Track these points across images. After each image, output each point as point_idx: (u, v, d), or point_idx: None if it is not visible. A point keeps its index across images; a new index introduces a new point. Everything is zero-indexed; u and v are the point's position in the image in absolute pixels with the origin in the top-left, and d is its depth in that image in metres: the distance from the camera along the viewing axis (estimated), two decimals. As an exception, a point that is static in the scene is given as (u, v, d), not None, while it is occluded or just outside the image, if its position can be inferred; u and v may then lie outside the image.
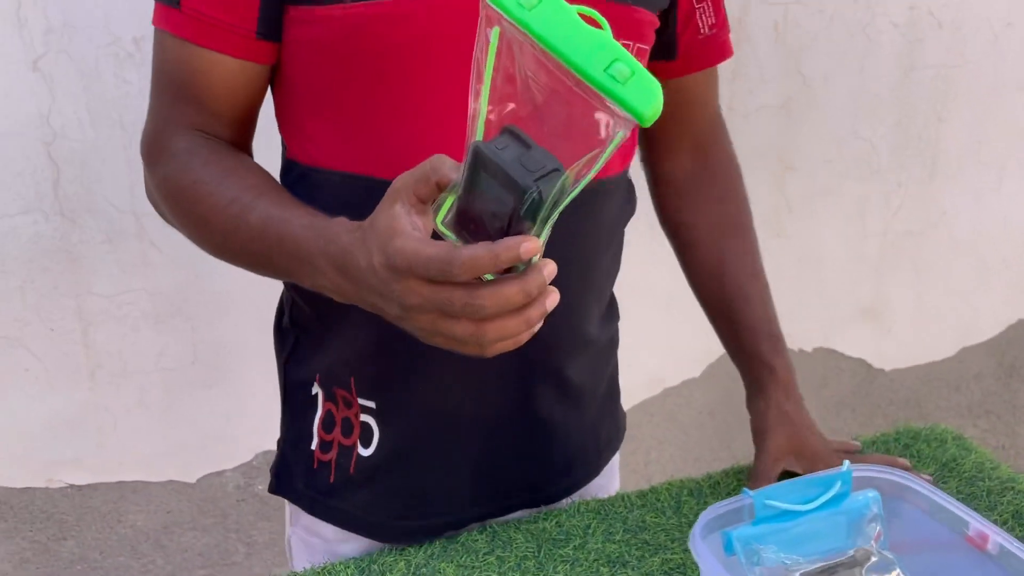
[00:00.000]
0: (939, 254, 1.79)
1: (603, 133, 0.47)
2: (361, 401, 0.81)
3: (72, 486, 1.40)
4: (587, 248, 0.80)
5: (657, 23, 0.80)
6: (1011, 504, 0.84)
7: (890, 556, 0.58)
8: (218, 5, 0.69)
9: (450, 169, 0.50)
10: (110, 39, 1.19)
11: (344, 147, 0.73)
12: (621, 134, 0.46)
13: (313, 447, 0.84)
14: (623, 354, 1.68)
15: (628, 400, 1.67)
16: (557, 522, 0.83)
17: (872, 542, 0.58)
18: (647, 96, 0.45)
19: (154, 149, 0.75)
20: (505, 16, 0.45)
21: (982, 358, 1.91)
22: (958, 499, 0.87)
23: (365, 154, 0.72)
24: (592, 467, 0.92)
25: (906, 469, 0.90)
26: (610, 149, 0.47)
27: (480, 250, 0.48)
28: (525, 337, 0.53)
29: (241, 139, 0.77)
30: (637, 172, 0.93)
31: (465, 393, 0.80)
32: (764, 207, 1.63)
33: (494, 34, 0.45)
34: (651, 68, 0.83)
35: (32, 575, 1.42)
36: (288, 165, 0.79)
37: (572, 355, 0.84)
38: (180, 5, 0.69)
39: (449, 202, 0.51)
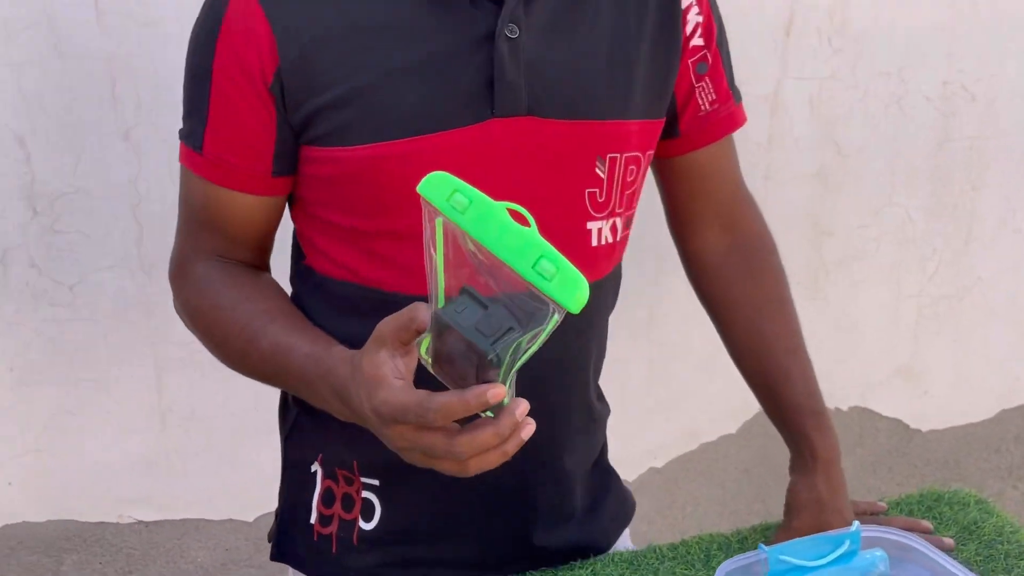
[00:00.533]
0: (975, 318, 1.82)
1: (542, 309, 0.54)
2: (363, 479, 0.87)
3: (140, 522, 1.50)
4: (573, 350, 0.87)
5: (664, 121, 0.86)
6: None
7: None
8: (236, 151, 0.77)
9: (426, 314, 0.58)
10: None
11: (353, 263, 0.80)
12: (555, 319, 0.53)
13: (312, 521, 0.90)
14: (661, 409, 1.74)
15: (665, 454, 1.74)
16: (592, 571, 0.89)
17: None
18: (572, 289, 0.52)
19: (179, 272, 0.84)
20: (442, 215, 0.53)
21: (1021, 421, 1.93)
22: (976, 561, 0.92)
23: (373, 271, 0.79)
24: (595, 536, 0.96)
25: (927, 531, 0.95)
26: (548, 329, 0.54)
27: (452, 398, 0.56)
28: (506, 459, 0.60)
29: (260, 259, 0.86)
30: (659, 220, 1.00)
31: (465, 479, 0.87)
32: (801, 270, 1.69)
33: (439, 223, 0.54)
34: (658, 147, 0.89)
35: (100, 605, 1.51)
36: (305, 270, 0.86)
37: (564, 444, 0.90)
38: (202, 151, 0.78)
39: (428, 338, 0.59)
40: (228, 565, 1.55)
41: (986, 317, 1.82)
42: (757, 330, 0.97)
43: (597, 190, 0.82)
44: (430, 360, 0.60)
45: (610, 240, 0.85)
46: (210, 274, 0.82)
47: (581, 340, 0.88)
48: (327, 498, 0.89)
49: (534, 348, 0.57)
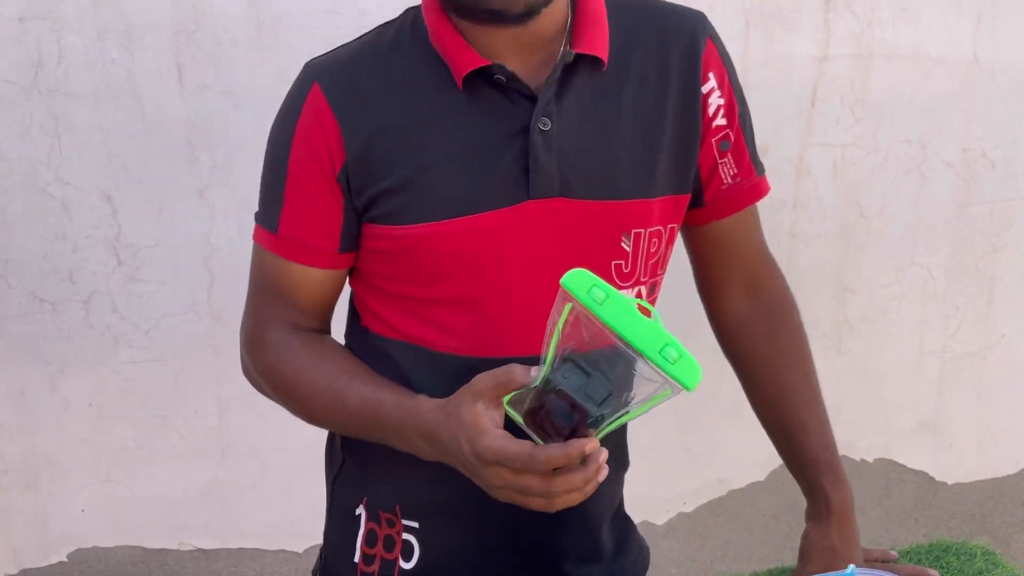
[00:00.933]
0: (999, 375, 1.87)
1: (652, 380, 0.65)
2: (405, 522, 0.96)
3: (199, 549, 1.61)
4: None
5: (689, 195, 0.95)
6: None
7: None
8: (308, 230, 0.87)
9: (521, 375, 0.70)
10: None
11: (405, 326, 0.90)
12: (668, 391, 0.65)
13: (356, 559, 0.98)
14: (691, 457, 1.81)
15: (695, 500, 1.81)
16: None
17: None
18: (692, 373, 0.64)
19: (254, 340, 0.94)
20: (582, 304, 0.64)
21: (1047, 477, 1.96)
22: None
23: (422, 332, 0.89)
24: (623, 565, 1.03)
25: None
26: (658, 400, 0.66)
27: (557, 452, 0.67)
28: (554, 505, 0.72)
29: (324, 325, 0.95)
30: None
31: (499, 521, 0.92)
32: (826, 325, 1.76)
33: (567, 308, 0.65)
34: (685, 216, 0.97)
35: (159, 627, 1.61)
36: (361, 330, 0.95)
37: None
38: (278, 231, 0.89)
39: (512, 394, 0.70)
40: (277, 593, 1.65)
41: (1010, 374, 1.87)
42: (777, 385, 1.03)
43: (622, 262, 0.91)
44: (519, 415, 0.70)
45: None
46: (287, 341, 0.92)
47: None
48: (370, 539, 0.98)
49: (637, 413, 0.68)
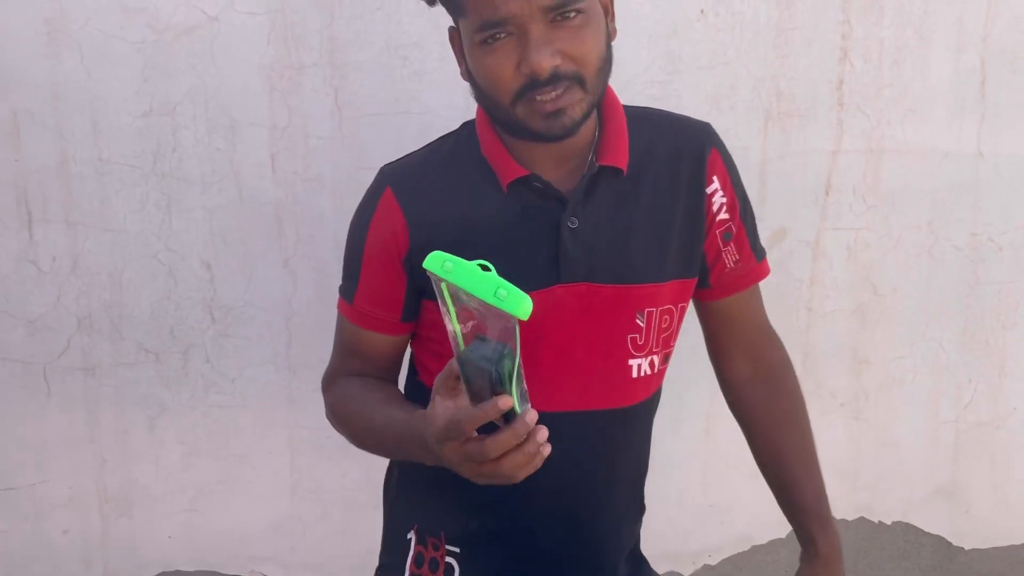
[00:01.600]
0: (1013, 444, 1.97)
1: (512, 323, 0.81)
2: (447, 547, 1.15)
3: (267, 578, 1.80)
4: (621, 457, 1.14)
5: (696, 279, 1.13)
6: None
7: None
8: (376, 304, 1.09)
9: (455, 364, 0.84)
10: (339, 242, 1.67)
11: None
12: (516, 326, 0.80)
13: None
14: (716, 512, 1.95)
15: (719, 553, 1.94)
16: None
17: None
18: (520, 304, 0.78)
19: (329, 384, 1.17)
20: (440, 278, 0.81)
21: (1064, 546, 2.03)
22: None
23: None
24: None
25: None
26: (516, 335, 0.80)
27: (475, 410, 0.80)
28: (537, 463, 0.83)
29: (391, 376, 1.16)
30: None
31: (529, 550, 1.12)
32: (843, 394, 1.90)
33: (444, 288, 0.81)
34: (695, 294, 1.15)
35: (229, 647, 1.80)
36: (418, 383, 1.16)
37: (616, 525, 1.16)
38: (353, 303, 1.11)
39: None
40: (334, 623, 1.83)
41: (1023, 445, 1.97)
42: (774, 443, 1.20)
43: (637, 335, 1.09)
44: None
45: (648, 373, 1.11)
46: (350, 383, 1.14)
47: (627, 450, 1.15)
48: (418, 560, 1.17)
49: (518, 356, 0.82)
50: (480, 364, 0.80)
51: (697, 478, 1.90)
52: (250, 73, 1.59)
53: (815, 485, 1.19)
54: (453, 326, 0.82)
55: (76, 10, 1.53)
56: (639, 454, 1.18)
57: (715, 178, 1.12)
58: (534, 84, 0.96)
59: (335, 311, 1.66)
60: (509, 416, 0.82)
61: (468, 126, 1.12)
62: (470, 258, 1.04)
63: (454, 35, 1.05)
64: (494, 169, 1.06)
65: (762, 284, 1.21)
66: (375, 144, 1.63)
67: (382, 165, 1.13)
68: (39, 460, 1.70)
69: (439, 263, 0.82)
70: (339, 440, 1.74)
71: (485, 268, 0.81)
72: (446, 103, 1.63)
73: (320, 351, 1.70)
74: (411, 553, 1.17)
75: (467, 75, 1.04)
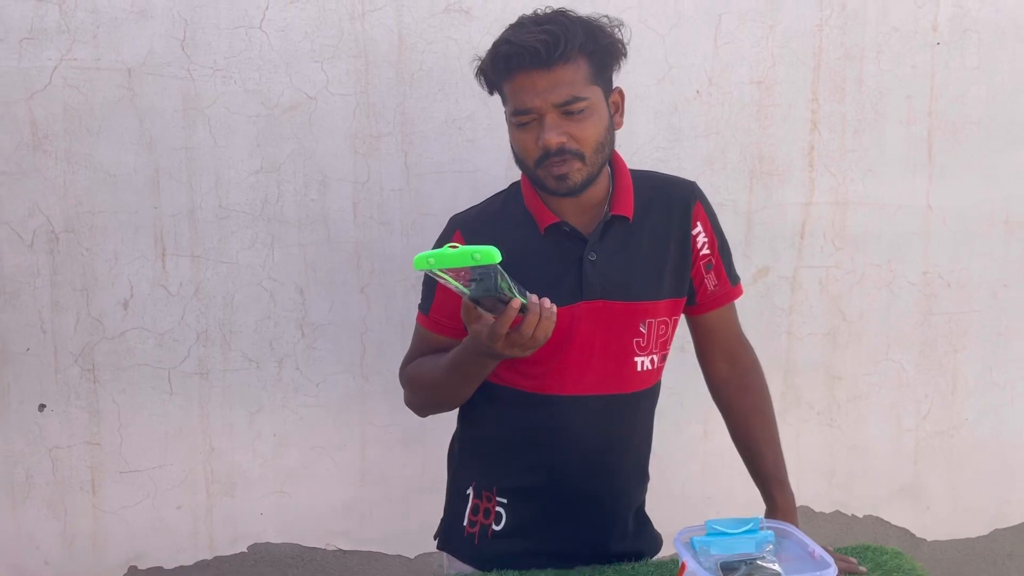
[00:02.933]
0: (967, 452, 2.32)
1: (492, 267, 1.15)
2: (498, 499, 1.51)
3: (340, 550, 2.18)
4: (629, 432, 1.51)
5: (685, 298, 1.52)
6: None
7: (773, 561, 1.22)
8: (445, 316, 1.46)
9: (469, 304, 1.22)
10: (405, 274, 2.08)
11: (505, 375, 1.46)
12: (495, 265, 1.13)
13: (464, 523, 1.54)
14: (713, 503, 2.29)
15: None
16: (639, 570, 1.48)
17: (765, 551, 1.23)
18: (490, 254, 1.11)
19: (405, 368, 1.54)
20: (429, 270, 1.12)
21: (1013, 540, 2.36)
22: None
23: (516, 379, 1.46)
24: (641, 550, 1.55)
25: (854, 565, 1.49)
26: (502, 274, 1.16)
27: (502, 319, 1.19)
28: (554, 320, 1.23)
29: None
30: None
31: (562, 503, 1.48)
32: (819, 405, 2.27)
33: (437, 273, 1.13)
34: (685, 310, 1.53)
35: (307, 607, 2.17)
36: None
37: (627, 488, 1.53)
38: (429, 315, 1.49)
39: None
40: (392, 591, 2.19)
41: (975, 451, 2.32)
42: (746, 425, 1.57)
43: (640, 339, 1.47)
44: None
45: (649, 368, 1.49)
46: (417, 361, 1.52)
47: (632, 426, 1.52)
48: (474, 510, 1.54)
49: (505, 275, 1.15)
50: (485, 295, 1.14)
51: (696, 473, 2.26)
52: (339, 140, 2.02)
53: (776, 457, 1.55)
54: (458, 290, 1.17)
55: (207, 92, 1.97)
56: (643, 431, 1.56)
57: (699, 223, 1.51)
58: (547, 155, 1.35)
59: (402, 329, 2.09)
60: (522, 310, 1.20)
61: (515, 186, 1.52)
62: (516, 277, 1.44)
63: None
64: (534, 217, 1.46)
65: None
66: (435, 196, 2.04)
67: (450, 215, 1.52)
68: (160, 448, 2.10)
69: (424, 261, 1.12)
70: (402, 436, 2.15)
71: (453, 247, 1.13)
72: (492, 163, 2.05)
73: (389, 362, 2.11)
74: (469, 504, 1.55)
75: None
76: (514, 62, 1.33)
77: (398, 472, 2.16)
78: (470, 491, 1.55)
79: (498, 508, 1.52)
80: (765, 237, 2.17)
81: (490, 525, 1.52)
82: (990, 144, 2.21)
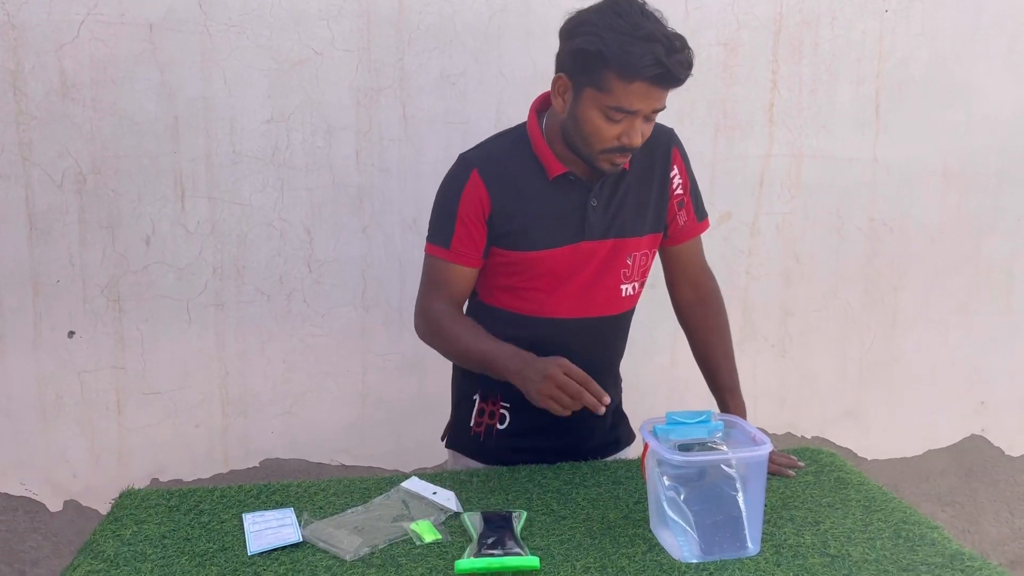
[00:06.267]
0: (904, 381, 2.59)
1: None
2: (502, 403, 1.71)
3: (342, 465, 2.41)
4: (610, 342, 1.72)
5: (662, 233, 1.74)
6: (837, 482, 1.69)
7: (721, 443, 1.46)
8: (467, 246, 1.62)
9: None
10: (403, 216, 2.29)
11: (506, 299, 1.66)
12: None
13: (471, 424, 1.74)
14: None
15: (679, 456, 2.54)
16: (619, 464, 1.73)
17: (715, 438, 1.47)
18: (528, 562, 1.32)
19: (423, 311, 1.66)
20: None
21: (944, 460, 2.64)
22: (807, 479, 1.71)
23: (515, 303, 1.66)
24: (619, 440, 1.80)
25: (793, 460, 1.74)
26: None
27: (589, 397, 1.42)
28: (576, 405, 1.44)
29: (462, 304, 1.70)
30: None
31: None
32: (773, 337, 2.52)
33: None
34: (660, 243, 1.73)
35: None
36: (479, 303, 1.72)
37: (606, 389, 1.76)
38: (450, 247, 1.63)
39: None
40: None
41: (911, 380, 2.59)
42: (706, 343, 1.80)
43: (626, 269, 1.67)
44: None
45: (631, 293, 1.71)
46: (444, 310, 1.66)
47: (615, 340, 1.74)
48: (480, 412, 1.74)
49: None
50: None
51: (662, 401, 2.49)
52: (343, 93, 2.21)
53: (731, 370, 1.78)
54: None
55: (222, 46, 2.15)
56: (620, 344, 1.79)
57: (675, 167, 1.72)
58: (621, 150, 1.52)
59: (399, 266, 2.30)
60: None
61: (520, 128, 1.67)
62: (527, 223, 1.58)
63: (563, 83, 1.51)
64: (543, 164, 1.64)
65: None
66: (431, 144, 2.25)
67: (460, 153, 1.67)
68: (180, 372, 2.31)
69: (467, 568, 1.26)
70: (399, 363, 2.38)
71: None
72: (481, 115, 2.25)
73: (387, 295, 2.33)
74: (475, 408, 1.77)
75: (568, 114, 1.52)
76: (654, 81, 1.43)
77: (395, 396, 2.38)
78: (476, 396, 1.76)
79: (502, 410, 1.73)
80: (728, 186, 2.40)
81: (495, 425, 1.74)
82: (930, 103, 2.44)
